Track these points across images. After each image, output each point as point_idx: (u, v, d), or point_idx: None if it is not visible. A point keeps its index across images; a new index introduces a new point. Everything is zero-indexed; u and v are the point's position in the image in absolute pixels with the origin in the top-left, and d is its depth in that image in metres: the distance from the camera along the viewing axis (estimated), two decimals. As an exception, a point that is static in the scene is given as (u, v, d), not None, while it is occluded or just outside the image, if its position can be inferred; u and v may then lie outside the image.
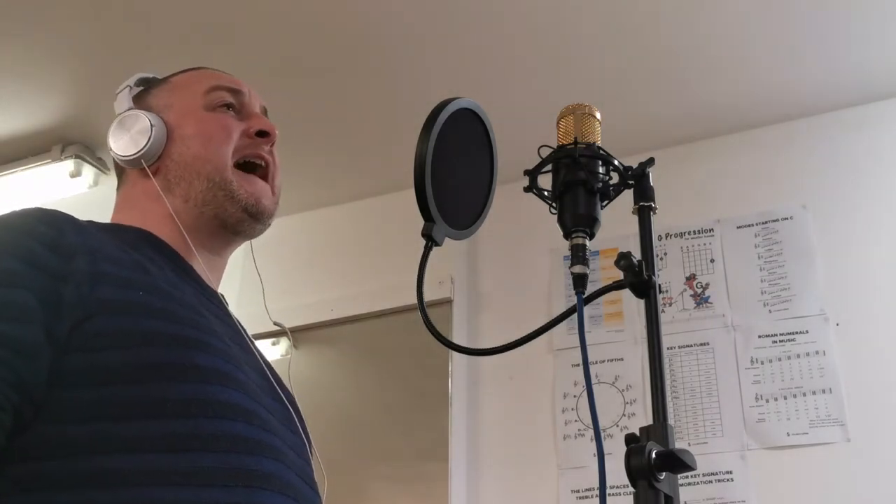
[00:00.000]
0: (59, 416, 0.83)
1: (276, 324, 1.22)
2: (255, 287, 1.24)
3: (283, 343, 2.81)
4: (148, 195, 1.10)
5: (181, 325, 0.92)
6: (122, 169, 1.16)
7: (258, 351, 1.09)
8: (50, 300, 0.85)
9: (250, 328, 1.13)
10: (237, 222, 1.10)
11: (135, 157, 1.09)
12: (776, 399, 2.29)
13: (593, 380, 2.40)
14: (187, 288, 1.02)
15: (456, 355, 2.61)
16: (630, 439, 0.82)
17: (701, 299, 2.48)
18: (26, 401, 0.82)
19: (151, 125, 1.09)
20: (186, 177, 1.09)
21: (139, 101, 1.16)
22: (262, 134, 1.14)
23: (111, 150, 1.12)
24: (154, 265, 0.99)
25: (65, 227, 0.92)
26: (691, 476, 2.26)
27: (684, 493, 0.99)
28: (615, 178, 1.03)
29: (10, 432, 0.82)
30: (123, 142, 1.10)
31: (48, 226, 0.91)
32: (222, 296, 1.13)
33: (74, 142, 2.70)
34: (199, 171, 1.09)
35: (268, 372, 1.07)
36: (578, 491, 2.38)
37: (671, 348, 2.44)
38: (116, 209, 1.14)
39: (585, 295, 0.94)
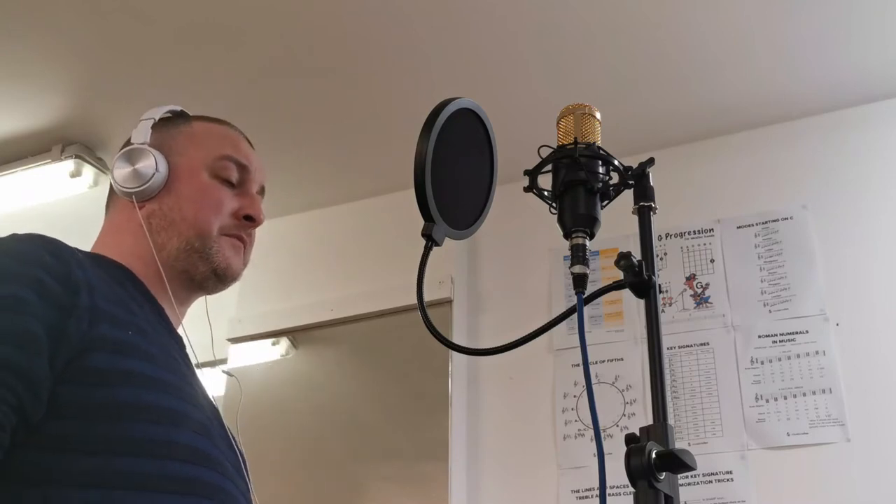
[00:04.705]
0: (41, 445, 0.87)
1: (225, 371, 1.29)
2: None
3: (283, 343, 2.81)
4: (131, 227, 1.14)
5: (159, 367, 0.97)
6: (115, 192, 1.19)
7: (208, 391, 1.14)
8: (55, 333, 0.89)
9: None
10: (203, 279, 1.15)
11: (129, 192, 1.14)
12: (776, 399, 2.29)
13: (593, 380, 2.40)
14: (162, 329, 1.07)
15: (456, 355, 2.61)
16: (630, 439, 0.82)
17: (701, 299, 2.48)
18: (23, 427, 0.86)
19: (155, 170, 1.13)
20: (168, 231, 1.13)
21: (159, 129, 1.19)
22: (249, 219, 1.18)
23: (112, 173, 1.16)
24: (135, 303, 1.04)
25: (69, 259, 0.95)
26: (691, 476, 2.26)
27: (684, 493, 0.99)
28: (615, 178, 1.03)
29: (5, 454, 0.85)
30: (125, 172, 1.14)
31: (54, 256, 0.94)
32: (182, 336, 1.18)
33: (74, 142, 2.69)
34: (182, 232, 1.13)
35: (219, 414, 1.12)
36: (578, 491, 2.38)
37: (671, 348, 2.44)
38: (102, 233, 1.19)
39: (585, 295, 0.94)
